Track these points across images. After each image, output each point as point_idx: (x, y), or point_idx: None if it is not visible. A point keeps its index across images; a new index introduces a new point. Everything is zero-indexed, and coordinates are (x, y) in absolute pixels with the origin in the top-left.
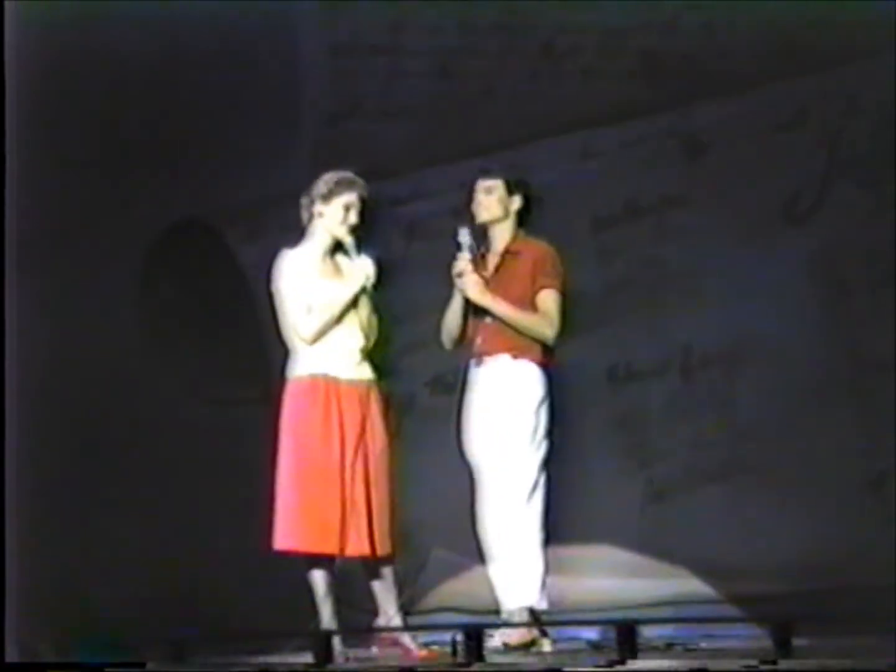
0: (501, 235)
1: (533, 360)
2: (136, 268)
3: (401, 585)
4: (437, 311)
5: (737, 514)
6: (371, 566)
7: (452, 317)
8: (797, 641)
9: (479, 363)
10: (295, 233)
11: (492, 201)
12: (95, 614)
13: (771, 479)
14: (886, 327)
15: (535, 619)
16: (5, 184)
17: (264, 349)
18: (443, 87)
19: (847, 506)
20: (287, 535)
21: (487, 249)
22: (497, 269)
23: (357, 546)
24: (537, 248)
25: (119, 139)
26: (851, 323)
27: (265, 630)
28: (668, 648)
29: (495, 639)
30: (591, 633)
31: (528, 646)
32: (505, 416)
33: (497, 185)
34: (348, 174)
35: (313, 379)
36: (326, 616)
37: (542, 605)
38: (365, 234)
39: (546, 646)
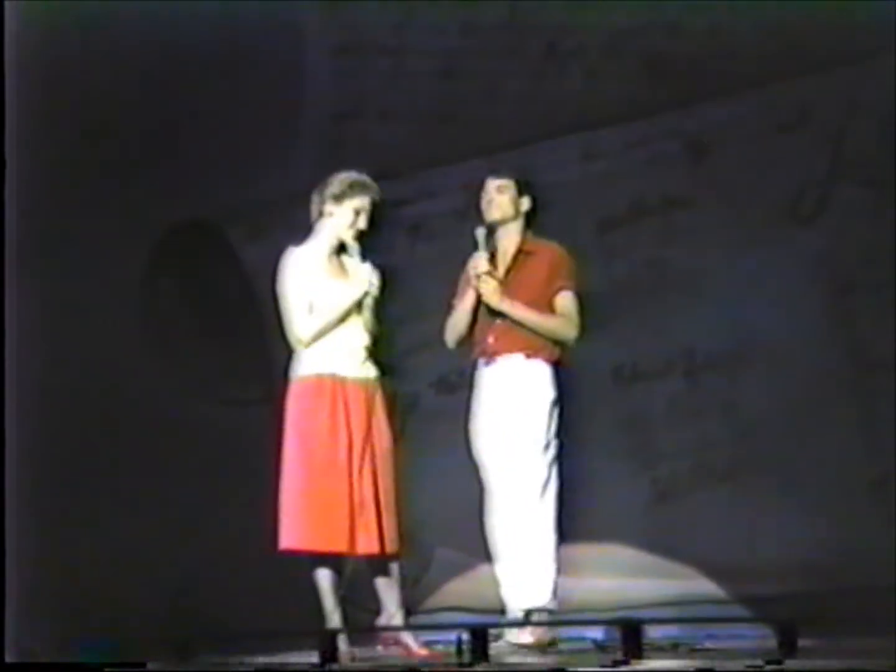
0: (510, 236)
1: (545, 359)
2: (138, 268)
3: (402, 584)
4: (441, 312)
5: (741, 514)
6: (377, 564)
7: (463, 315)
8: (802, 642)
9: (489, 362)
10: (298, 232)
11: (504, 200)
12: (96, 614)
13: (774, 479)
14: (890, 328)
15: (542, 619)
16: (5, 184)
17: (267, 349)
18: (446, 88)
19: (850, 506)
20: (295, 534)
21: (496, 249)
22: (509, 269)
23: (366, 545)
24: (552, 250)
25: (121, 139)
26: (855, 324)
27: (268, 630)
28: (673, 649)
29: (503, 640)
30: (597, 633)
31: (544, 646)
32: (519, 415)
33: (509, 184)
34: (363, 177)
35: (319, 378)
36: (331, 615)
37: (553, 605)
38: (369, 235)
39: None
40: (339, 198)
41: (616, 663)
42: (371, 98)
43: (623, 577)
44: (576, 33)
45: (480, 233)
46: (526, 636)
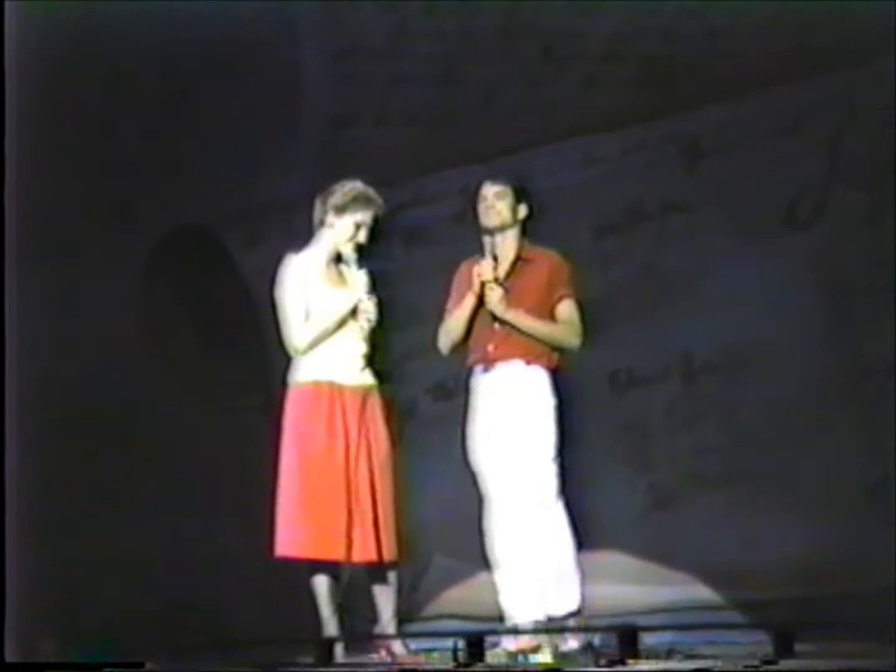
0: (508, 242)
1: (544, 365)
2: (136, 272)
3: (399, 591)
4: (437, 318)
5: (738, 519)
6: (374, 571)
7: (459, 322)
8: (799, 647)
9: (487, 369)
10: (295, 238)
11: (503, 207)
12: (95, 616)
13: (772, 484)
14: (887, 332)
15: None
16: (5, 184)
17: (265, 355)
18: (444, 94)
19: (848, 511)
20: (291, 541)
21: (493, 256)
22: (508, 276)
23: (363, 552)
24: (551, 258)
25: (119, 144)
26: (852, 328)
27: (265, 637)
28: (669, 655)
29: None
30: (594, 639)
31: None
32: (524, 422)
33: (507, 191)
34: (368, 191)
35: (317, 385)
36: (328, 622)
37: (560, 611)
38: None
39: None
40: (340, 210)
41: (613, 663)
42: (368, 104)
43: (619, 583)
44: (573, 38)
45: (487, 240)
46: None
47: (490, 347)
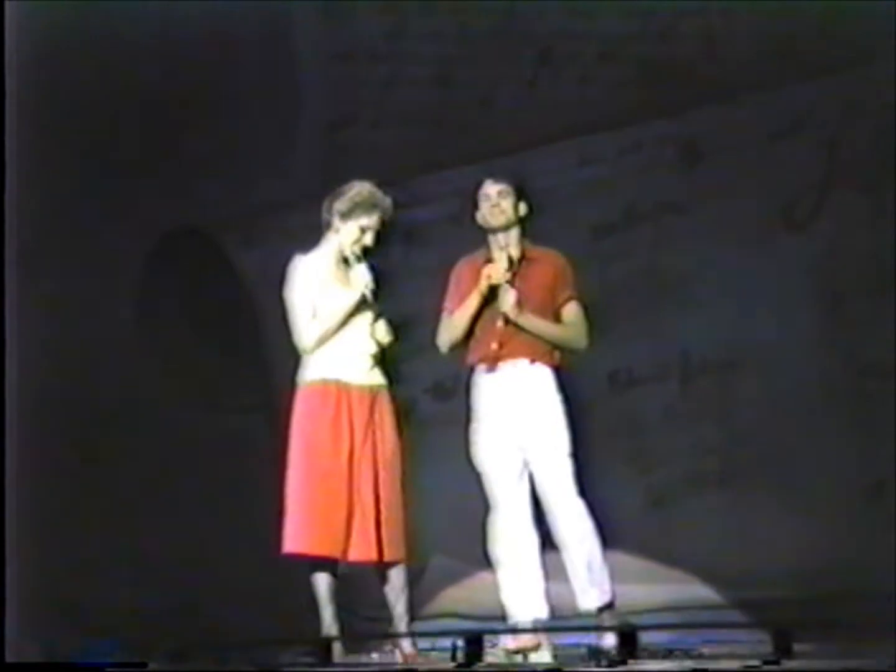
0: (511, 242)
1: (548, 364)
2: (134, 274)
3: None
4: (435, 318)
5: (736, 519)
6: (383, 571)
7: (464, 320)
8: (798, 647)
9: (491, 368)
10: (293, 239)
11: (507, 205)
12: (96, 616)
13: (770, 484)
14: (885, 334)
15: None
16: (5, 187)
17: (263, 355)
18: (441, 95)
19: (846, 511)
20: (296, 539)
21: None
22: (514, 276)
23: (363, 551)
24: (555, 258)
25: (118, 145)
26: (850, 329)
27: (266, 637)
28: (668, 654)
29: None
30: (592, 640)
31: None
32: (534, 420)
33: (509, 189)
34: (374, 194)
35: (324, 384)
36: (327, 621)
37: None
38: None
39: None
40: (344, 215)
41: (612, 664)
42: (366, 105)
43: (619, 582)
44: (570, 40)
45: (492, 239)
46: (515, 642)
47: (495, 346)
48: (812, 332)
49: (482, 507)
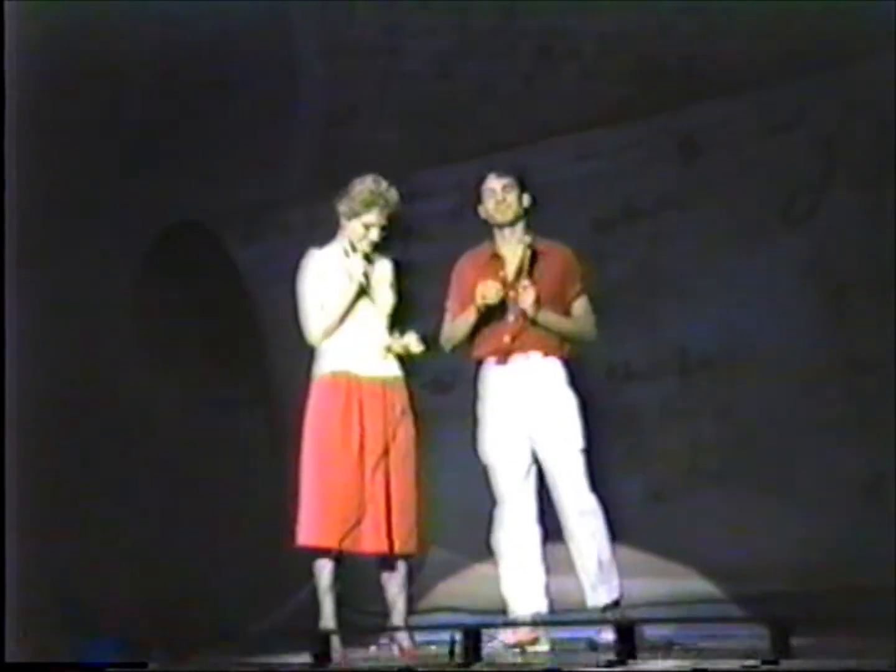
0: (517, 235)
1: (560, 357)
2: (133, 269)
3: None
4: (434, 313)
5: (735, 514)
6: (386, 563)
7: (465, 329)
8: (796, 642)
9: (501, 361)
10: (292, 234)
11: (513, 199)
12: (97, 616)
13: (768, 479)
14: (884, 329)
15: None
16: (5, 187)
17: (262, 351)
18: (441, 89)
19: (845, 507)
20: (306, 531)
21: (499, 250)
22: (520, 270)
23: (374, 542)
24: (564, 252)
25: (117, 141)
26: (849, 325)
27: (265, 630)
28: (667, 648)
29: (497, 640)
30: (591, 633)
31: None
32: (548, 413)
33: (514, 183)
34: (378, 192)
35: (335, 376)
36: (327, 614)
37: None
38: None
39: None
40: (349, 216)
41: (611, 663)
42: (365, 100)
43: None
44: (569, 35)
45: (506, 235)
46: (514, 636)
47: (507, 339)
48: (810, 327)
49: (480, 500)
